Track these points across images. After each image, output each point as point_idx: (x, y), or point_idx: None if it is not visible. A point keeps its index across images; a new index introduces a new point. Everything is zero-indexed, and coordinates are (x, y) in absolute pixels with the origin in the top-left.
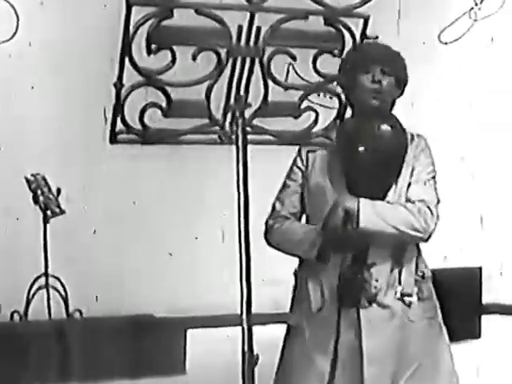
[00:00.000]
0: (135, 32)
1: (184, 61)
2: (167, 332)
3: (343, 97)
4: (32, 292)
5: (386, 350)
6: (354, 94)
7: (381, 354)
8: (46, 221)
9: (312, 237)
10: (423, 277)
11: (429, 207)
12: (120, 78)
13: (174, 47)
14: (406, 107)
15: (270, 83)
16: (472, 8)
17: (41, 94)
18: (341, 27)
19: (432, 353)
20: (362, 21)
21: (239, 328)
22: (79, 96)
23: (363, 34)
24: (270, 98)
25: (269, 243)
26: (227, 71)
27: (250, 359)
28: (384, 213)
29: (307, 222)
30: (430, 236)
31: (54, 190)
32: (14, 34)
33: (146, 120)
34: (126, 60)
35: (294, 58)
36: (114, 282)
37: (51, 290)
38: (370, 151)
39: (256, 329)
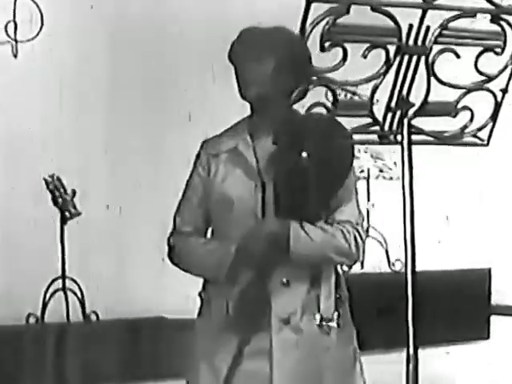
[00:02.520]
0: (312, 29)
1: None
2: (182, 334)
3: (499, 96)
4: (48, 294)
5: (297, 380)
6: None
7: None
8: (63, 222)
9: (219, 257)
10: (341, 299)
11: (358, 231)
12: None
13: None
14: None
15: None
16: None
17: None
18: (504, 25)
19: None
20: None
21: None
22: None
23: None
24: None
25: (173, 263)
26: (390, 76)
27: (414, 360)
28: (317, 240)
29: (212, 237)
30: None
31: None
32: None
33: None
34: None
35: (458, 56)
36: (128, 284)
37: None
38: (313, 161)
39: None
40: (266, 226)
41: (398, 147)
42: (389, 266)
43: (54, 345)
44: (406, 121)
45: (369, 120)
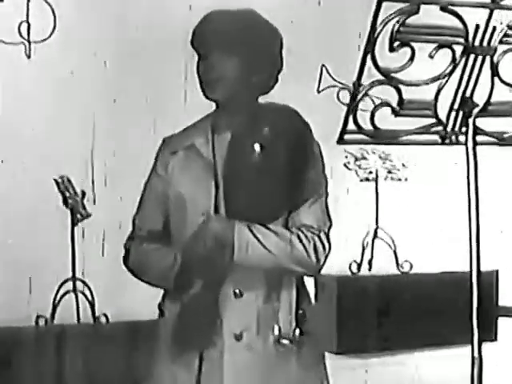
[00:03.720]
0: (382, 29)
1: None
2: None
3: None
4: (59, 296)
5: None
6: None
7: None
8: (73, 223)
9: (166, 263)
10: (304, 316)
11: (320, 237)
12: (360, 76)
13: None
14: None
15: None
16: None
17: None
18: None
19: None
20: None
21: None
22: None
23: None
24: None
25: (128, 270)
26: (455, 75)
27: (479, 364)
28: (269, 246)
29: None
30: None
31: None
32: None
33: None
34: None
35: None
36: (138, 285)
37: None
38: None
39: None
40: (209, 226)
41: (408, 148)
42: (397, 267)
43: (63, 347)
44: (471, 121)
45: (432, 120)
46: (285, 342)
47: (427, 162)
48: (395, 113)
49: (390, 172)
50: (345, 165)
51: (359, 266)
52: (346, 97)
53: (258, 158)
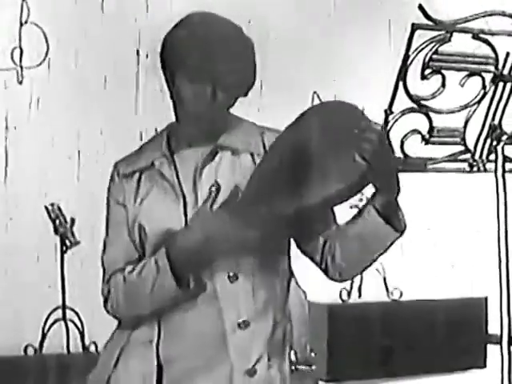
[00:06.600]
0: (415, 56)
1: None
2: None
3: None
4: (48, 325)
5: None
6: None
7: None
8: (63, 251)
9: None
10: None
11: None
12: (391, 104)
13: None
14: None
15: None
16: None
17: None
18: None
19: None
20: None
21: None
22: None
23: None
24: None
25: (114, 313)
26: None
27: None
28: None
29: None
30: None
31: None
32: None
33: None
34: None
35: None
36: None
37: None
38: None
39: None
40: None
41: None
42: (387, 294)
43: (53, 376)
44: (500, 149)
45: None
46: (303, 367)
47: (414, 190)
48: (425, 140)
49: None
50: None
51: (349, 293)
52: None
53: None
